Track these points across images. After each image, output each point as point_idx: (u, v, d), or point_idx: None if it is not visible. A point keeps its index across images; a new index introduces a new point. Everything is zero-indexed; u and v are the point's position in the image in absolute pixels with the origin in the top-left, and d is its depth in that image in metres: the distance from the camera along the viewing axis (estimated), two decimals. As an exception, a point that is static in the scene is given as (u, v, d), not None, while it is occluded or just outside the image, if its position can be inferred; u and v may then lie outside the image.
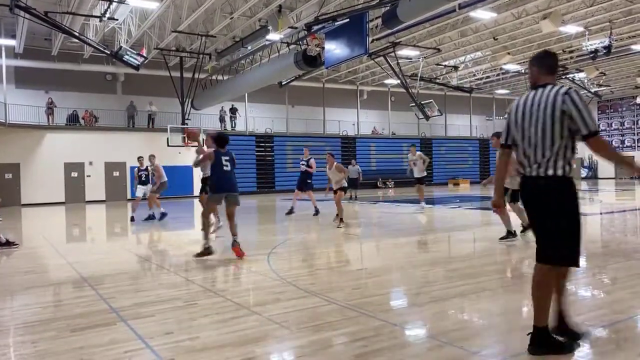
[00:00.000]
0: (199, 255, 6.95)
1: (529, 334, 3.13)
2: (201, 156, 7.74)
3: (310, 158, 13.77)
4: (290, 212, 13.57)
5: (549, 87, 3.10)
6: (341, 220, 10.45)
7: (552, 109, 2.99)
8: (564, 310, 3.33)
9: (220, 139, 7.37)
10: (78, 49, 23.68)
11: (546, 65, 3.23)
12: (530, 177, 3.12)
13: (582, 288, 5.00)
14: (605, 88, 36.22)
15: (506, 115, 3.18)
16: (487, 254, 7.22)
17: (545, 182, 3.06)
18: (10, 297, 5.20)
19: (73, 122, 24.99)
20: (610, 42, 21.65)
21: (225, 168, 7.23)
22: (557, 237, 3.21)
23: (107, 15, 16.47)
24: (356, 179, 19.53)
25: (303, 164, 13.80)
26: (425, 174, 14.63)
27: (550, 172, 3.03)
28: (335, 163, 10.81)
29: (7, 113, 22.00)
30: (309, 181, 13.77)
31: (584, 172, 44.03)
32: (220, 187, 7.20)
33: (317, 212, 13.40)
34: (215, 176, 7.31)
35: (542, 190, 3.09)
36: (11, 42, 21.82)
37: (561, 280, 3.34)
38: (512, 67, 28.86)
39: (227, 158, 7.40)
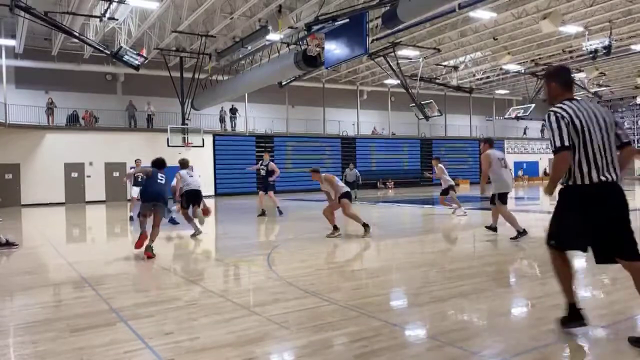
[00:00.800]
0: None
1: None
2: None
3: (269, 162, 14.11)
4: (263, 214, 13.87)
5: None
6: (365, 226, 9.05)
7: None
8: None
9: (157, 162, 8.26)
10: (78, 49, 23.68)
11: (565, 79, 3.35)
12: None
13: (581, 288, 5.00)
14: (605, 88, 36.23)
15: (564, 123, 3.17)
16: (487, 254, 7.22)
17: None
18: (10, 297, 5.20)
19: (73, 122, 24.99)
20: (610, 42, 21.65)
21: (159, 181, 8.09)
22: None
23: (107, 15, 16.48)
24: (354, 182, 19.93)
25: (263, 169, 14.11)
26: (451, 181, 13.79)
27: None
28: (322, 176, 9.34)
29: (7, 113, 22.00)
30: (271, 182, 14.16)
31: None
32: (149, 197, 7.89)
33: (280, 213, 13.97)
34: (147, 187, 8.06)
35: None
36: (11, 42, 21.82)
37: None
38: (512, 67, 28.87)
39: (162, 176, 8.24)
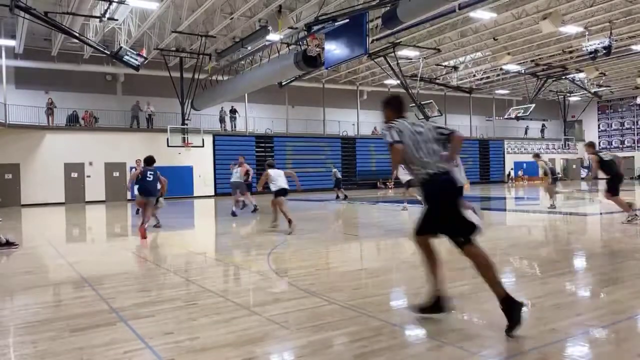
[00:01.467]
0: None
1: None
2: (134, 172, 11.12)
3: (238, 167, 15.27)
4: (255, 209, 14.77)
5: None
6: (290, 222, 10.02)
7: None
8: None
9: (147, 159, 10.18)
10: (78, 49, 23.68)
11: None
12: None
13: (581, 288, 5.01)
14: (605, 88, 36.25)
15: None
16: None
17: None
18: (10, 297, 5.20)
19: (73, 122, 24.99)
20: (610, 42, 21.66)
21: (148, 179, 10.33)
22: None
23: (107, 15, 16.48)
24: (339, 180, 21.73)
25: (237, 173, 15.03)
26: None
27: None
28: (265, 172, 11.01)
29: (7, 113, 22.00)
30: (246, 183, 15.57)
31: (583, 173, 44.04)
32: (142, 192, 10.39)
33: (255, 209, 14.93)
34: (140, 184, 10.37)
35: None
36: (11, 43, 21.82)
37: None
38: (512, 67, 28.87)
39: (152, 172, 10.46)
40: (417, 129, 4.06)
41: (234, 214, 14.12)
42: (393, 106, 4.35)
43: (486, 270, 3.63)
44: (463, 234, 3.70)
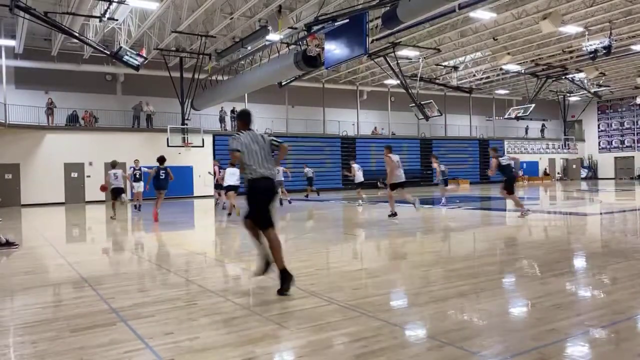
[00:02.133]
0: None
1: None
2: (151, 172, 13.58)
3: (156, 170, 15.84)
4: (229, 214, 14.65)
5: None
6: (233, 206, 13.57)
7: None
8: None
9: (159, 159, 12.30)
10: (78, 49, 23.69)
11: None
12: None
13: (581, 288, 5.01)
14: (605, 88, 36.26)
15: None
16: (487, 254, 7.22)
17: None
18: (10, 297, 5.20)
19: (73, 122, 24.99)
20: (610, 42, 21.67)
21: (161, 177, 13.36)
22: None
23: (107, 15, 16.48)
24: (310, 179, 22.89)
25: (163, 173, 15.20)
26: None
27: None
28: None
29: (7, 113, 22.00)
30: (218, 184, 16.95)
31: (583, 173, 44.06)
32: (156, 187, 13.54)
33: (224, 208, 15.91)
34: (154, 181, 13.43)
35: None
36: (11, 43, 21.83)
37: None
38: (512, 67, 28.88)
39: (163, 171, 13.34)
40: (258, 140, 5.12)
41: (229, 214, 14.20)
42: (243, 119, 5.31)
43: (276, 250, 4.89)
44: (262, 225, 4.97)
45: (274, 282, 5.40)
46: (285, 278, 4.77)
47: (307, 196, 21.38)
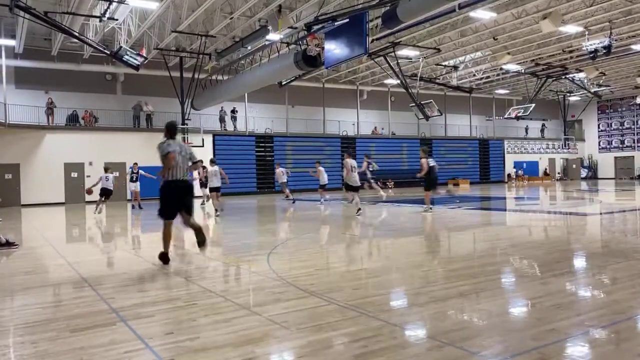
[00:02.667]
0: None
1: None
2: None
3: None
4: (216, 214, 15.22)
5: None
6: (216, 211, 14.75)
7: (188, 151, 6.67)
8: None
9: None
10: (78, 49, 23.69)
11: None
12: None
13: (581, 288, 5.01)
14: (605, 88, 36.25)
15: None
16: (487, 254, 7.22)
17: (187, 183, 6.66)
18: (10, 297, 5.20)
19: (73, 122, 24.98)
20: (610, 42, 21.66)
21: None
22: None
23: (107, 15, 16.47)
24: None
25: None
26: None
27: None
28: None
29: (7, 113, 22.00)
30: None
31: (583, 172, 44.06)
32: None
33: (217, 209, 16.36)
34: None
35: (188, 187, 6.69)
36: (11, 42, 21.82)
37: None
38: (512, 67, 28.88)
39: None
40: (182, 149, 6.53)
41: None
42: (171, 130, 6.66)
43: (167, 239, 6.66)
44: (164, 216, 6.58)
45: (274, 283, 5.41)
46: (199, 236, 6.55)
47: (288, 197, 21.44)
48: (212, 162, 15.44)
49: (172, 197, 6.48)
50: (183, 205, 6.53)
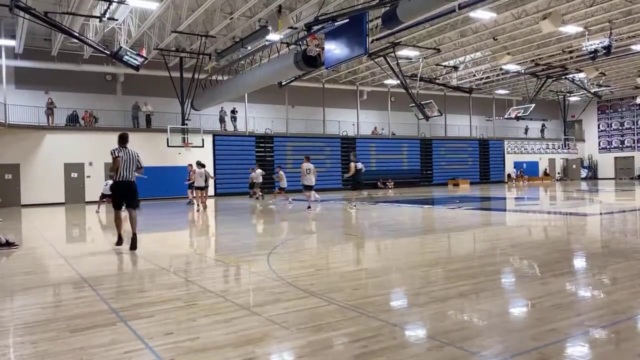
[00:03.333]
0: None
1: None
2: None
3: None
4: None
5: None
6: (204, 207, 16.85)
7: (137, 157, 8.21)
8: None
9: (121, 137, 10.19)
10: (78, 49, 23.68)
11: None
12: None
13: (581, 288, 5.01)
14: (605, 88, 36.26)
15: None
16: (487, 254, 7.22)
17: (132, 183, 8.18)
18: (10, 297, 5.20)
19: (73, 122, 24.97)
20: (610, 42, 21.66)
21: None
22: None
23: (107, 15, 16.47)
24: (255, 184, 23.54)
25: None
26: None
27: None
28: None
29: (7, 113, 22.00)
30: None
31: (583, 173, 44.06)
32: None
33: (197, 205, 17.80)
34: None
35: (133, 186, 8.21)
36: (11, 43, 21.82)
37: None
38: (512, 67, 28.88)
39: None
40: (130, 156, 8.08)
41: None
42: (122, 140, 8.24)
43: (133, 222, 8.20)
44: (114, 207, 8.36)
45: (274, 283, 5.41)
46: (134, 240, 8.03)
47: (257, 197, 21.62)
48: (199, 164, 17.19)
49: (119, 193, 8.20)
50: (126, 199, 8.26)
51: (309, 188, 16.00)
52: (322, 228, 11.46)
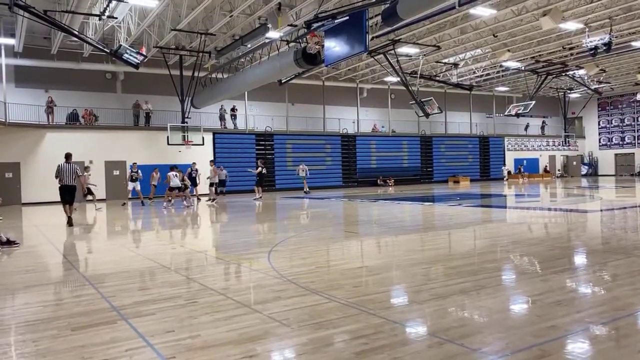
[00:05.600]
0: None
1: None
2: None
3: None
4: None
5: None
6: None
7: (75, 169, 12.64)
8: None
9: (67, 155, 13.57)
10: (78, 47, 23.66)
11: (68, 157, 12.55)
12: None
13: (582, 285, 5.01)
14: (605, 85, 36.21)
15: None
16: (487, 251, 7.23)
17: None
18: (11, 295, 5.21)
19: (73, 121, 24.96)
20: (610, 38, 21.63)
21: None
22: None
23: (107, 13, 16.44)
24: (224, 180, 23.30)
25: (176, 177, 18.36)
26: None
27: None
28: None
29: (7, 112, 21.99)
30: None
31: (584, 169, 44.04)
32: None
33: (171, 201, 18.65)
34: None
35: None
36: (11, 41, 21.80)
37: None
38: (512, 64, 28.85)
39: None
40: (69, 168, 12.41)
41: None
42: (67, 157, 12.50)
43: (70, 211, 12.49)
44: (62, 203, 12.62)
45: (274, 281, 5.42)
46: (70, 220, 12.18)
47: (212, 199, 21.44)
48: (172, 168, 18.49)
49: (63, 193, 12.53)
50: (68, 196, 12.53)
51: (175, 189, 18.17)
52: (323, 226, 11.46)
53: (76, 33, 16.76)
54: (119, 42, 19.08)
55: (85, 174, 18.14)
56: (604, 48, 21.96)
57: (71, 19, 17.39)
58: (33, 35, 22.78)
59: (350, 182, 32.37)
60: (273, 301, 4.49)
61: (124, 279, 5.80)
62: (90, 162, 24.60)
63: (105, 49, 16.43)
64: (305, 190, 25.03)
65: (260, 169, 22.26)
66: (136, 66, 16.26)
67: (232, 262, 6.85)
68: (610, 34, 21.63)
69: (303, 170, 24.93)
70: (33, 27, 20.78)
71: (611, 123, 43.56)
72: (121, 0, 15.73)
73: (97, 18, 17.14)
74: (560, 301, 4.28)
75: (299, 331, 3.65)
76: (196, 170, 21.47)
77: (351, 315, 3.98)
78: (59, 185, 12.42)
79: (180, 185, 18.33)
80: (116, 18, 18.36)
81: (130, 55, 15.71)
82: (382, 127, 35.01)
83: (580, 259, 6.51)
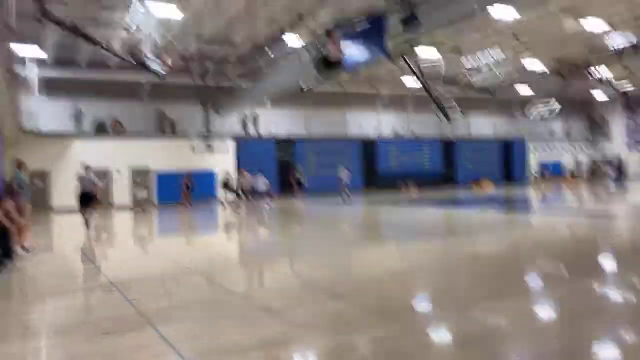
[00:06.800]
0: None
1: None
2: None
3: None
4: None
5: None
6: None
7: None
8: None
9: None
10: (104, 57, 24.21)
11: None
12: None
13: (613, 291, 4.93)
14: (632, 87, 35.35)
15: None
16: (513, 258, 7.14)
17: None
18: (40, 301, 5.36)
19: (100, 129, 25.55)
20: (637, 39, 21.18)
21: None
22: None
23: (133, 26, 16.81)
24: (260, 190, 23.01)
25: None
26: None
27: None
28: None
29: (37, 122, 22.65)
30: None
31: (611, 173, 42.98)
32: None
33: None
34: None
35: None
36: (40, 53, 22.41)
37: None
38: (536, 66, 28.43)
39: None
40: (87, 178, 13.15)
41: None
42: (85, 168, 13.17)
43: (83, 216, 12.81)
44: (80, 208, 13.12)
45: (297, 285, 5.46)
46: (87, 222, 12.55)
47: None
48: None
49: (81, 200, 13.19)
50: (86, 202, 13.17)
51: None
52: (346, 231, 11.47)
53: (103, 45, 17.20)
54: (144, 52, 19.47)
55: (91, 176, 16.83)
56: (631, 48, 21.50)
57: (98, 31, 17.80)
58: (62, 47, 23.38)
59: (370, 186, 32.28)
60: (296, 307, 4.51)
61: (149, 284, 5.90)
62: (117, 171, 25.10)
63: (131, 60, 16.80)
64: (345, 195, 22.39)
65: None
66: (161, 76, 16.59)
67: (255, 267, 6.90)
68: (636, 34, 21.16)
69: (347, 176, 23.01)
70: (62, 38, 21.33)
71: (638, 125, 42.45)
72: (146, 14, 16.07)
73: (124, 30, 17.55)
74: (590, 307, 4.20)
75: (322, 337, 3.66)
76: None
77: (375, 321, 3.97)
78: (80, 192, 13.38)
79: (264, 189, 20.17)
80: (141, 30, 18.76)
81: (156, 65, 16.04)
82: (404, 131, 34.80)
83: (609, 265, 6.39)
